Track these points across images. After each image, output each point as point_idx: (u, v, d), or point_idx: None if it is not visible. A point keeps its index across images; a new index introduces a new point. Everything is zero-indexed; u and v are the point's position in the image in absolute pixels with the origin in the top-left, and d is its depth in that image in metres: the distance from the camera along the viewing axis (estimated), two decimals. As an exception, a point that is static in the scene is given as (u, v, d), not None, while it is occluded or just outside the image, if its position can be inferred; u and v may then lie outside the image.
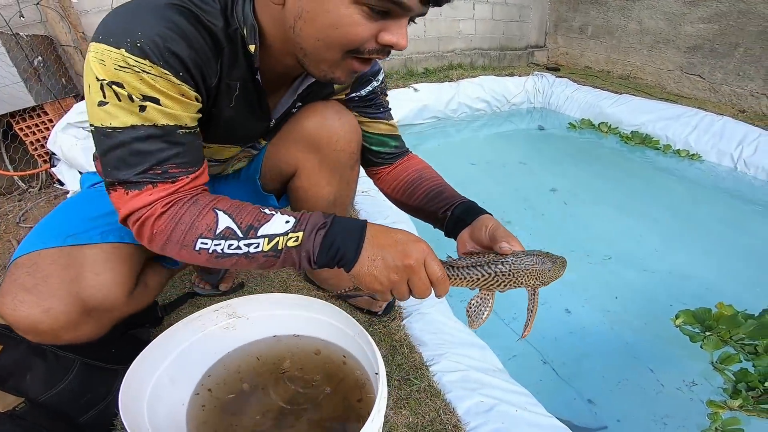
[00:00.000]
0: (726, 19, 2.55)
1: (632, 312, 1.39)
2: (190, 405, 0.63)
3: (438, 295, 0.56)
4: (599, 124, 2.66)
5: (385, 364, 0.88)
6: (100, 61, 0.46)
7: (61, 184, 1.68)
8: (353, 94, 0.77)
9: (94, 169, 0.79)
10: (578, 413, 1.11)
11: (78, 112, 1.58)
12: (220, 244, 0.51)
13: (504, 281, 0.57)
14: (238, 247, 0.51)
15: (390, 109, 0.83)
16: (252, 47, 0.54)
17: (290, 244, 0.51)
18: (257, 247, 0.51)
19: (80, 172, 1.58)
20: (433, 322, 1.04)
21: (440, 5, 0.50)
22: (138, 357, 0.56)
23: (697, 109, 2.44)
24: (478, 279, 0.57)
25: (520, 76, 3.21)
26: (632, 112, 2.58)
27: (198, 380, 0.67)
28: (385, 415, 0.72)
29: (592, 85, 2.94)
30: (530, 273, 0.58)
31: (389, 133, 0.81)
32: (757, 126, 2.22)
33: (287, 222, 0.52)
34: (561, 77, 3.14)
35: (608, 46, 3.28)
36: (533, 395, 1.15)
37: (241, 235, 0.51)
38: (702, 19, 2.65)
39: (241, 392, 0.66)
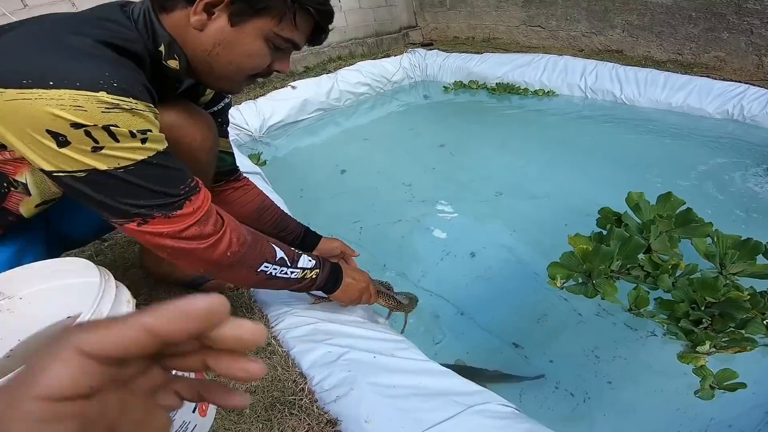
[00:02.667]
0: (539, -33, 2.52)
1: (531, 242, 1.22)
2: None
3: (369, 303, 0.76)
4: (469, 83, 2.60)
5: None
6: (76, 108, 0.41)
7: None
8: (210, 109, 0.71)
9: None
10: (509, 361, 0.91)
11: None
12: (277, 269, 0.59)
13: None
14: (286, 273, 0.61)
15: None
16: (173, 63, 0.53)
17: (312, 276, 0.64)
18: (295, 274, 0.62)
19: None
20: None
21: (320, 44, 0.60)
22: None
23: (542, 54, 2.43)
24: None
25: (395, 56, 2.99)
26: (493, 67, 2.56)
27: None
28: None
29: (458, 52, 2.83)
30: None
31: (227, 150, 0.78)
32: (593, 59, 2.25)
33: (310, 261, 0.64)
34: (433, 50, 2.99)
35: (466, 14, 3.19)
36: (471, 352, 0.91)
37: (289, 264, 0.61)
38: (524, -28, 2.61)
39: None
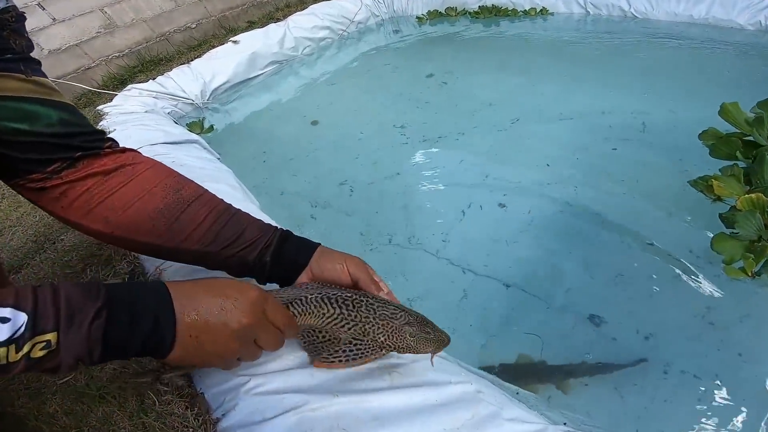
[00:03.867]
0: None
1: (576, 175, 0.91)
2: None
3: (289, 338, 0.39)
4: (446, 10, 2.19)
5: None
6: None
7: None
8: None
9: None
10: (587, 343, 0.62)
11: None
12: None
13: (353, 323, 0.38)
14: None
15: (35, 60, 0.38)
16: None
17: (35, 354, 0.26)
18: None
19: None
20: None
21: None
22: None
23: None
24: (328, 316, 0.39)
25: (354, -7, 2.49)
26: (471, -12, 2.11)
27: None
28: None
29: (425, -20, 2.37)
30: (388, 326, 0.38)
31: (40, 96, 0.37)
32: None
33: (5, 320, 0.24)
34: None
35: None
36: (528, 339, 0.63)
37: None
38: None
39: None
